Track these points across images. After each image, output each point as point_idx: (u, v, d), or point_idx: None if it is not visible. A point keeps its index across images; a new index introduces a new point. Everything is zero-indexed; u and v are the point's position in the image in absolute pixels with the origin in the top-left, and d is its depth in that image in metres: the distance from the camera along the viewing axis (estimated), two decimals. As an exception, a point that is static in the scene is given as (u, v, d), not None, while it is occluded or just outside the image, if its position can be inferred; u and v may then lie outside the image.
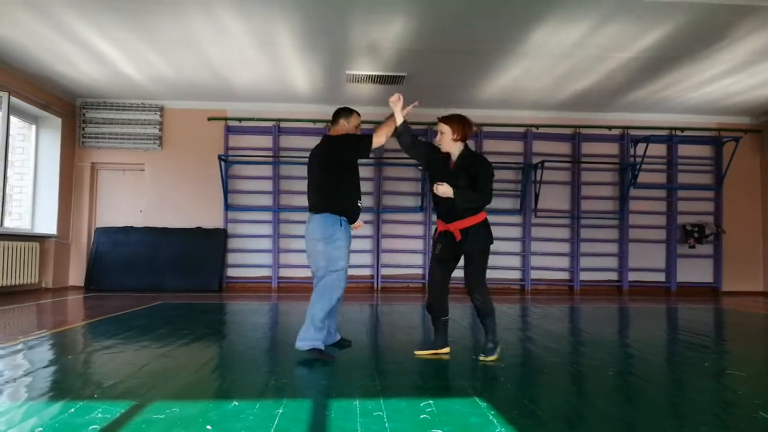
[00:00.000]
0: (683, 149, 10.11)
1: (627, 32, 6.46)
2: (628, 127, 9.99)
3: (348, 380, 3.13)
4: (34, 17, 6.23)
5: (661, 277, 10.10)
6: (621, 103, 9.41)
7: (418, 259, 9.89)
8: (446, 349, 3.87)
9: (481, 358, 3.68)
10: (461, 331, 5.16)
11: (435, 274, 3.84)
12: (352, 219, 3.93)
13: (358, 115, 4.10)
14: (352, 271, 9.65)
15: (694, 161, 10.14)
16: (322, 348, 3.63)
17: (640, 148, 9.52)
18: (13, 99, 7.82)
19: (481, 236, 3.69)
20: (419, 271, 9.87)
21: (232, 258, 9.68)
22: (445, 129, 3.77)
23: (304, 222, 9.05)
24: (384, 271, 9.83)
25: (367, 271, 9.83)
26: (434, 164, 3.88)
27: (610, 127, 9.97)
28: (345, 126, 4.01)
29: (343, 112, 4.03)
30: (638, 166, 9.42)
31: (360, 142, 3.88)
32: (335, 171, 3.86)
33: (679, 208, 10.05)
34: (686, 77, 8.00)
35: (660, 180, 10.13)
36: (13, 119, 8.43)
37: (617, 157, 10.13)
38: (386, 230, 9.85)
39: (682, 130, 10.01)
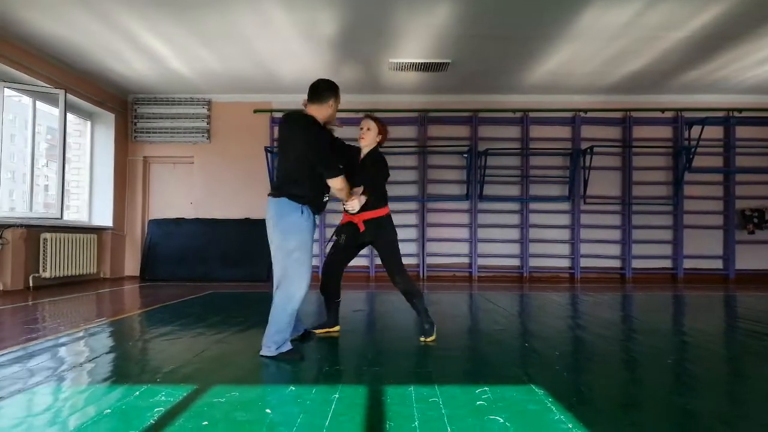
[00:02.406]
0: (741, 131, 9.68)
1: (681, 10, 6.21)
2: (682, 110, 9.63)
3: (400, 367, 3.14)
4: (89, 16, 6.44)
5: (718, 264, 9.74)
6: (674, 85, 9.08)
7: (464, 248, 9.82)
8: (336, 328, 4.24)
9: (422, 339, 3.87)
10: (510, 318, 5.11)
11: (331, 258, 4.09)
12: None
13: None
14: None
15: (753, 143, 9.70)
16: (289, 347, 3.37)
17: (695, 130, 9.15)
18: (70, 96, 8.11)
19: (386, 229, 3.92)
20: (465, 260, 9.81)
21: (279, 248, 9.79)
22: (373, 127, 3.99)
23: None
24: (429, 260, 9.81)
25: (412, 260, 9.82)
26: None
27: (662, 110, 9.64)
28: (330, 108, 3.56)
29: (334, 91, 3.57)
30: (693, 150, 9.07)
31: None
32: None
33: (737, 192, 9.65)
34: (744, 55, 7.65)
35: (716, 163, 9.74)
36: (70, 116, 8.75)
37: (671, 140, 9.79)
38: (431, 219, 9.81)
39: (740, 111, 9.59)
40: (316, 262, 9.06)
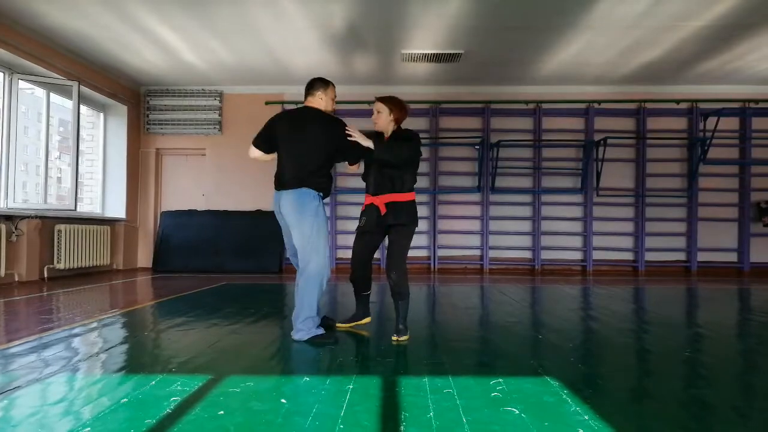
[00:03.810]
0: (757, 122, 9.55)
1: (698, -1, 6.14)
2: (697, 101, 9.52)
3: (414, 358, 3.14)
4: (102, 8, 6.45)
5: (732, 257, 9.65)
6: (690, 75, 8.97)
7: (475, 240, 9.79)
8: (367, 319, 4.13)
9: (394, 338, 3.58)
10: (522, 310, 5.09)
11: (356, 247, 3.93)
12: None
13: (334, 86, 3.89)
14: (409, 252, 9.71)
15: (770, 135, 9.58)
16: (322, 332, 3.58)
17: (711, 122, 9.04)
18: (83, 88, 8.15)
19: (406, 214, 3.71)
20: (477, 253, 9.78)
21: (291, 240, 9.82)
22: (383, 108, 3.83)
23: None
24: (441, 253, 9.79)
25: (423, 252, 9.81)
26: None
27: (677, 101, 9.53)
28: (322, 98, 3.79)
29: (320, 84, 3.80)
30: (708, 141, 8.96)
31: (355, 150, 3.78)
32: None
33: (753, 184, 9.55)
34: (762, 45, 7.53)
35: (732, 155, 9.63)
36: (83, 108, 8.79)
37: (685, 132, 9.69)
38: (443, 211, 9.79)
39: (757, 102, 9.46)
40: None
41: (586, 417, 2.11)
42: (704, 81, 9.25)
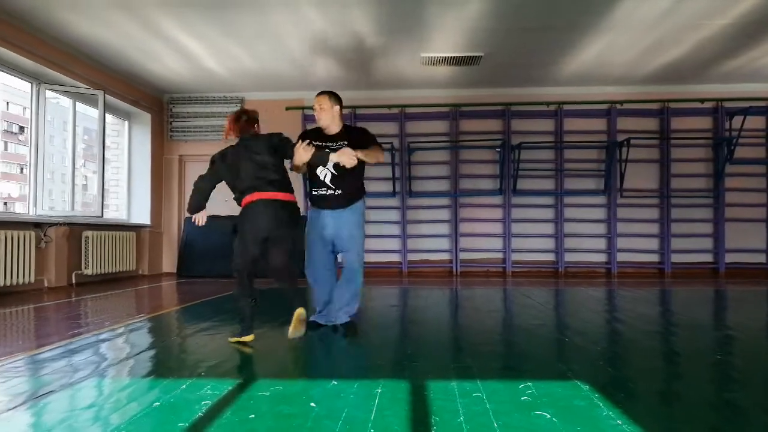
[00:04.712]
0: (786, 120, 9.38)
1: (723, -4, 6.05)
2: (722, 99, 9.36)
3: (440, 361, 3.12)
4: (126, 18, 6.56)
5: (761, 258, 9.44)
6: (714, 74, 8.82)
7: (497, 243, 9.73)
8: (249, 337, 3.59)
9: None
10: (547, 313, 5.04)
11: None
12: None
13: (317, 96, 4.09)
14: (431, 256, 9.71)
15: (799, 133, 9.39)
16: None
17: (737, 121, 8.88)
18: (108, 97, 8.29)
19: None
20: (499, 255, 9.72)
21: (312, 244, 9.86)
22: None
23: (384, 207, 9.02)
24: (463, 256, 9.74)
25: (445, 256, 9.78)
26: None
27: (702, 100, 9.38)
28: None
29: None
30: (735, 141, 8.80)
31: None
32: None
33: (782, 184, 9.37)
34: (790, 42, 7.39)
35: (759, 155, 9.44)
36: (108, 116, 8.94)
37: (710, 131, 9.53)
38: (464, 214, 9.75)
39: (784, 99, 9.29)
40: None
41: (620, 422, 2.08)
42: (730, 79, 9.09)
